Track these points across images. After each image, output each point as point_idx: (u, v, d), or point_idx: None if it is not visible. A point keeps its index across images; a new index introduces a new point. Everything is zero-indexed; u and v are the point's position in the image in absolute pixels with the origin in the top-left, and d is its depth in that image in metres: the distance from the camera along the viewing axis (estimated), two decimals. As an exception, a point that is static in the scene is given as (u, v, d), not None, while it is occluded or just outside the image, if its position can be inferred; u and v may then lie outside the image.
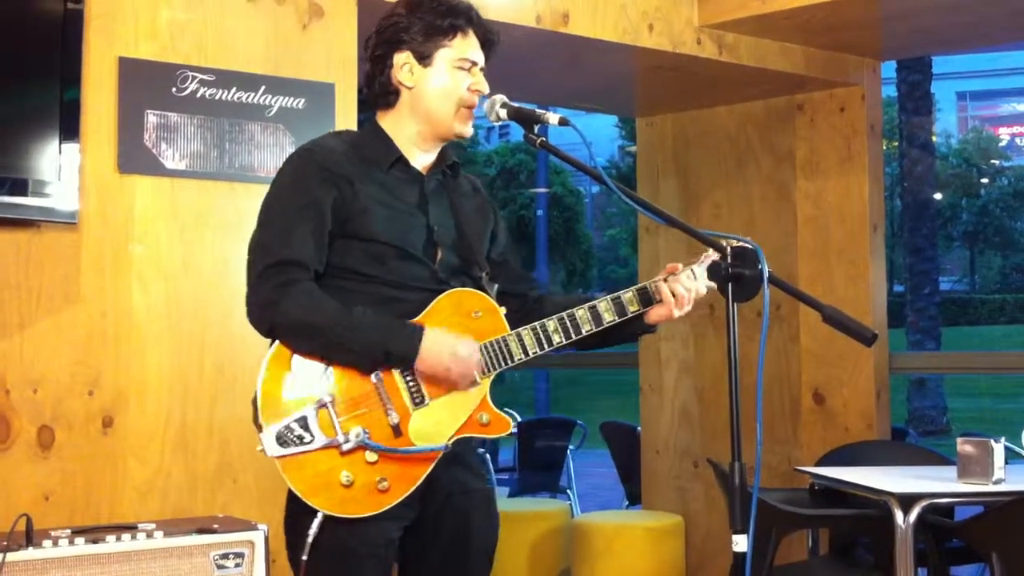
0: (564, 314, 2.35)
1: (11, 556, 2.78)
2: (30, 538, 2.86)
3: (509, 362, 2.31)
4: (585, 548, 5.29)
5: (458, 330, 2.29)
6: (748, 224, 5.25)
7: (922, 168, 17.13)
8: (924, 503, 3.47)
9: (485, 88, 2.41)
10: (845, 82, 5.07)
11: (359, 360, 2.22)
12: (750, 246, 1.92)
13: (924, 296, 16.87)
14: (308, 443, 2.16)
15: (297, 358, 2.24)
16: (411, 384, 2.27)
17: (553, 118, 2.35)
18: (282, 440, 2.17)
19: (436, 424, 2.26)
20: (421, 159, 2.43)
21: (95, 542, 2.93)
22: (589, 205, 31.65)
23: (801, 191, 5.19)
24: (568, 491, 8.43)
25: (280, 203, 2.32)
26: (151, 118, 3.46)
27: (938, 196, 21.83)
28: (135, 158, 3.44)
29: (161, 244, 3.47)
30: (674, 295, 2.37)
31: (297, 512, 2.25)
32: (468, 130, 2.42)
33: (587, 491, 9.34)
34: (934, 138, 20.24)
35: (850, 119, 5.10)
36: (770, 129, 5.31)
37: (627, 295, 2.43)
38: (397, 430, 2.22)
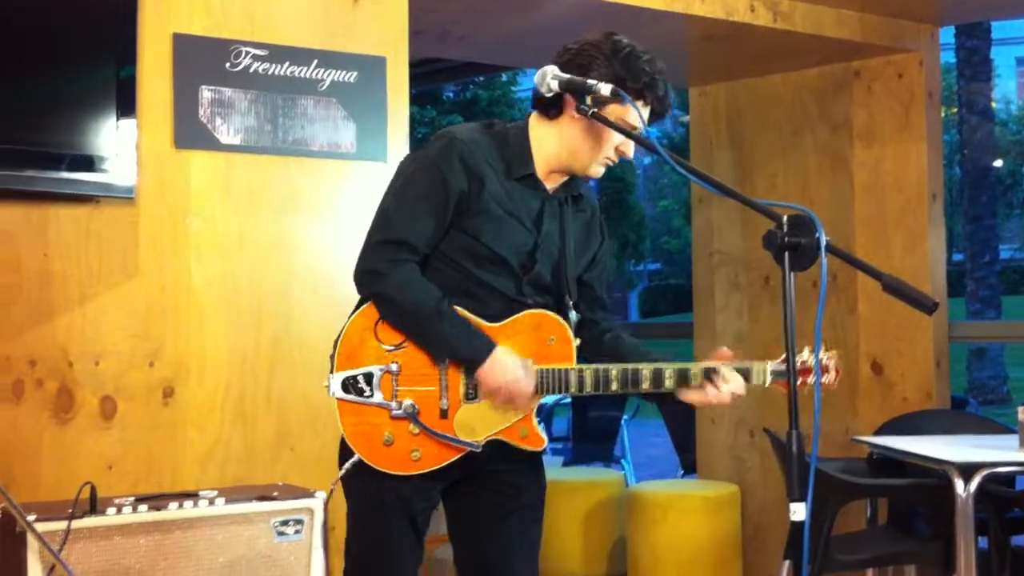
0: (628, 367, 2.45)
1: (76, 523, 2.85)
2: (94, 505, 2.93)
3: (563, 391, 2.44)
4: (640, 517, 5.29)
5: (529, 349, 2.43)
6: (803, 194, 5.19)
7: (981, 135, 16.82)
8: (984, 472, 3.44)
9: (631, 155, 2.50)
10: (903, 48, 4.98)
11: (432, 351, 2.40)
12: (807, 215, 1.90)
13: (984, 265, 16.58)
14: (366, 397, 2.37)
15: (384, 322, 2.42)
16: (470, 379, 2.42)
17: (604, 89, 2.34)
18: (346, 386, 2.38)
19: (479, 421, 2.42)
20: (552, 178, 2.53)
21: (157, 509, 2.99)
22: (641, 176, 31.46)
23: (858, 160, 5.12)
24: (622, 460, 8.44)
25: (415, 182, 2.43)
26: (206, 94, 3.49)
27: (997, 163, 21.42)
28: (190, 133, 3.47)
29: (217, 218, 3.51)
30: (719, 393, 2.50)
31: (343, 450, 2.46)
32: (598, 175, 2.52)
33: (641, 461, 9.34)
34: (993, 104, 19.86)
35: (908, 86, 5.01)
36: (826, 97, 5.23)
37: (695, 370, 2.51)
38: (444, 414, 2.40)
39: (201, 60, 3.48)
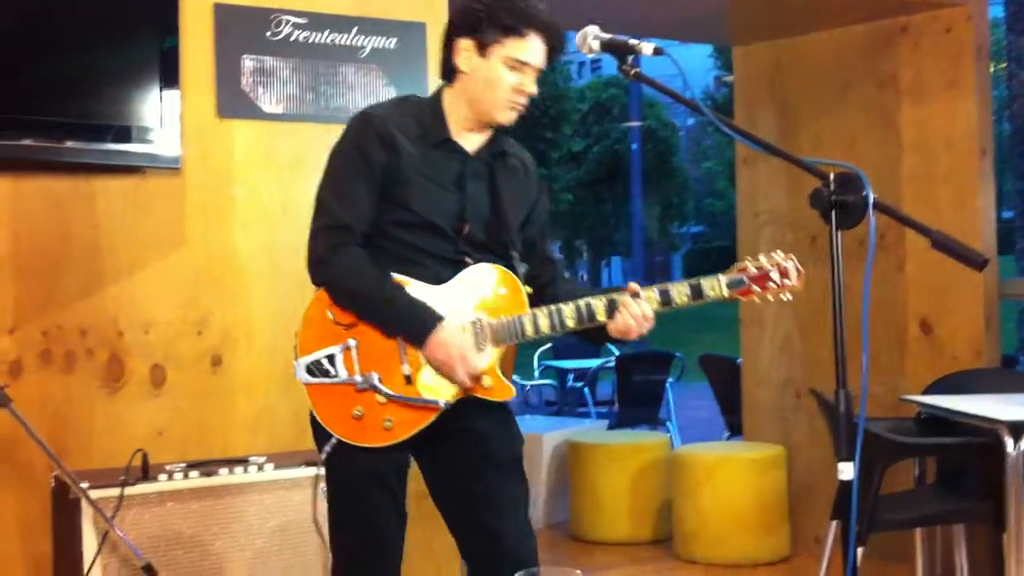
0: (582, 301, 2.51)
1: (129, 490, 2.90)
2: (146, 472, 2.98)
3: (520, 338, 2.50)
4: (686, 479, 5.29)
5: (480, 303, 2.50)
6: (849, 153, 5.12)
7: (1032, 90, 16.47)
8: (1035, 431, 3.39)
9: (531, 90, 2.52)
10: (950, 3, 4.88)
11: (382, 328, 2.47)
12: (854, 172, 1.88)
13: (1034, 222, 16.30)
14: (332, 377, 2.45)
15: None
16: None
17: (647, 48, 2.32)
18: (311, 371, 2.46)
19: (443, 380, 2.47)
20: (471, 139, 2.58)
21: (208, 475, 3.04)
22: (684, 138, 31.24)
23: (905, 117, 5.04)
24: (667, 423, 8.43)
25: (341, 165, 2.53)
26: (247, 63, 3.51)
27: (1049, 118, 20.98)
28: (233, 103, 3.49)
29: (261, 187, 3.53)
30: (622, 323, 2.50)
31: (319, 433, 2.51)
32: (509, 119, 2.54)
33: (686, 424, 9.32)
34: (1044, 58, 19.41)
35: (956, 41, 4.91)
36: (872, 54, 5.15)
37: (648, 292, 2.52)
38: (409, 379, 2.46)
39: (242, 29, 3.49)
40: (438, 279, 2.50)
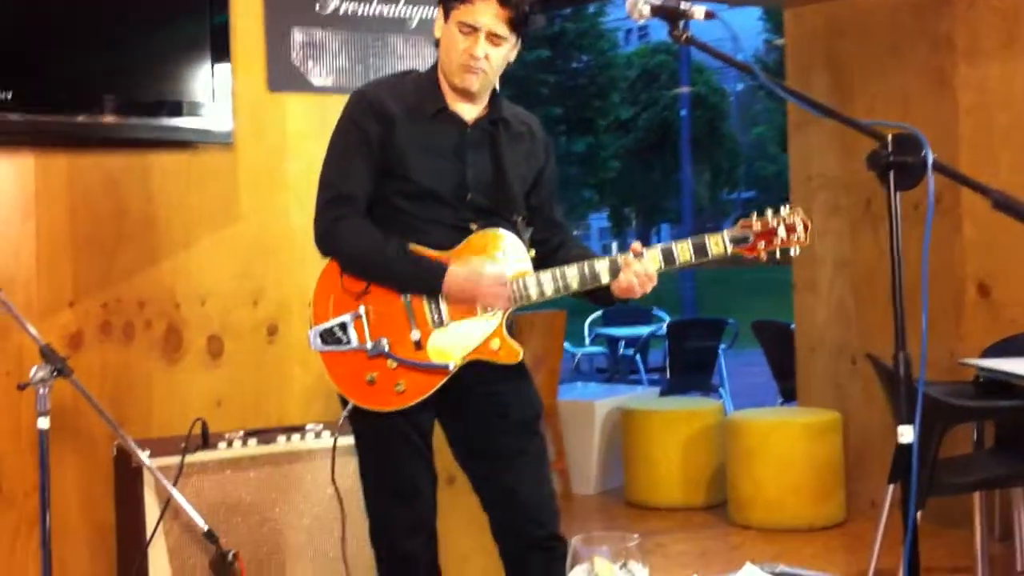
0: (584, 263, 2.53)
1: (190, 457, 2.95)
2: (206, 440, 3.03)
3: (526, 300, 2.53)
4: (740, 445, 5.28)
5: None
6: (904, 116, 5.03)
7: (1092, 46, 16.09)
8: (1097, 394, 3.34)
9: (477, 52, 2.51)
10: (1007, -42, 4.78)
11: (396, 286, 2.53)
12: (912, 132, 1.85)
13: (1095, 182, 15.98)
14: (344, 344, 2.52)
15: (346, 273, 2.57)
16: (433, 306, 2.55)
17: (699, 11, 2.29)
18: (324, 339, 2.54)
19: (451, 344, 2.53)
20: (467, 108, 2.61)
21: (266, 443, 3.08)
22: (734, 104, 30.90)
23: (961, 78, 4.94)
24: (720, 390, 8.40)
25: (339, 141, 2.61)
26: (297, 36, 3.52)
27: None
28: (284, 76, 3.51)
29: (313, 160, 3.51)
30: (624, 282, 2.51)
31: (341, 399, 2.60)
32: (468, 84, 2.55)
33: (739, 390, 9.28)
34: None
35: (1012, 0, 4.81)
36: (927, 14, 5.05)
37: (652, 251, 2.54)
38: (418, 344, 2.52)
39: (291, 3, 3.50)
40: (443, 246, 2.55)
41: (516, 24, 2.53)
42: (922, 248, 1.87)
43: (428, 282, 2.51)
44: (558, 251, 2.70)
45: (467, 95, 2.59)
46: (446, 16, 2.55)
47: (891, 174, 1.84)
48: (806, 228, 2.55)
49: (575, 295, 2.59)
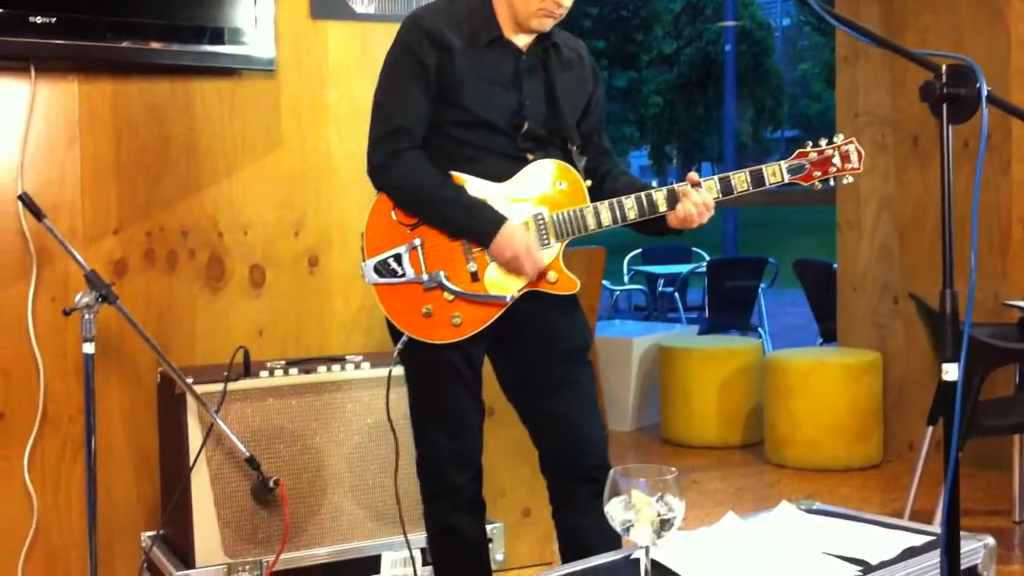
0: (643, 193, 2.51)
1: (232, 385, 2.98)
2: (248, 368, 3.05)
3: (583, 231, 2.51)
4: (779, 384, 5.27)
5: (542, 198, 2.52)
6: (957, 48, 4.93)
7: None
8: None
9: (566, 3, 2.47)
10: None
11: (446, 231, 2.49)
12: (967, 63, 1.80)
13: None
14: (399, 276, 2.49)
15: None
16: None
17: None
18: (378, 271, 2.50)
19: (509, 276, 2.50)
20: (521, 36, 2.55)
21: (307, 372, 3.11)
22: (779, 39, 30.39)
23: (1015, 11, 4.83)
24: (760, 329, 8.36)
25: (395, 68, 2.54)
26: (339, -39, 3.48)
27: None
28: (326, 4, 3.48)
29: (355, 88, 3.53)
30: (683, 211, 2.48)
31: (392, 331, 2.57)
32: (545, 27, 2.51)
33: (779, 330, 9.24)
34: None
35: (1072, -71, 4.67)
36: (982, -56, 4.92)
37: (708, 182, 2.52)
38: (475, 276, 2.49)
39: (333, -73, 3.46)
40: (499, 176, 2.51)
41: None
42: (973, 185, 1.83)
43: (480, 234, 2.47)
44: (605, 180, 2.66)
45: (530, 30, 2.54)
46: None
47: (944, 106, 1.80)
48: (860, 157, 2.55)
49: (629, 225, 2.55)
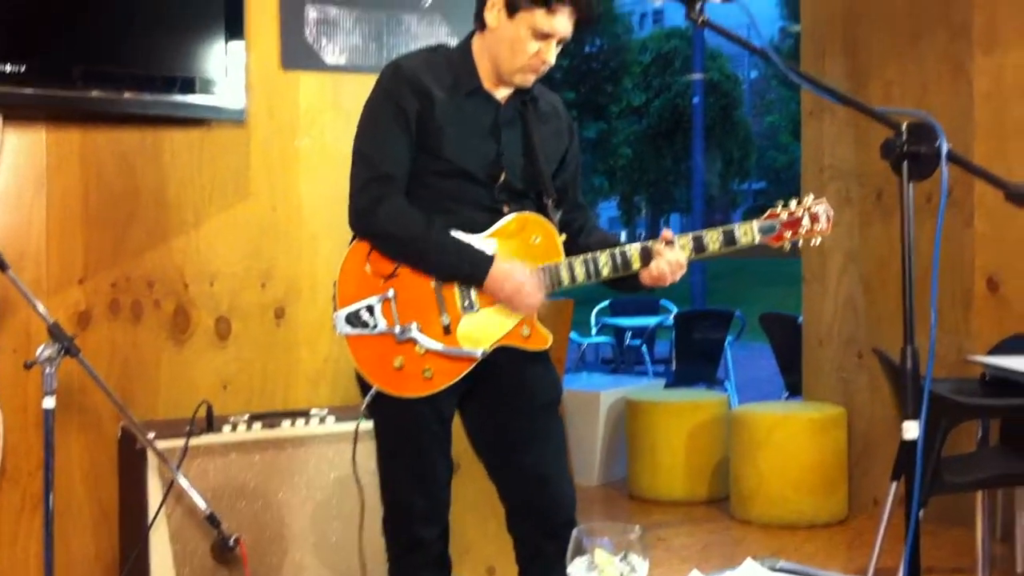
0: (617, 250, 2.52)
1: (194, 440, 2.95)
2: (211, 423, 3.02)
3: (557, 286, 2.51)
4: (744, 438, 5.27)
5: (517, 252, 2.51)
6: (920, 103, 5.00)
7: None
8: (1106, 393, 3.32)
9: (551, 61, 2.50)
10: (1027, -51, 4.74)
11: (435, 274, 2.48)
12: (927, 121, 1.83)
13: (1108, 180, 15.88)
14: (371, 328, 2.46)
15: (374, 253, 2.50)
16: (464, 291, 2.50)
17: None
18: (350, 322, 2.48)
19: (481, 330, 2.49)
20: (501, 89, 2.56)
21: (271, 427, 3.08)
22: (747, 91, 30.79)
23: (978, 66, 4.91)
24: (726, 383, 8.38)
25: (376, 116, 2.53)
26: (311, 13, 3.50)
27: None
28: (297, 54, 3.49)
29: (325, 138, 3.54)
30: (656, 270, 2.51)
31: (362, 384, 2.54)
32: (526, 82, 2.54)
33: (746, 383, 9.26)
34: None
35: (1032, -11, 4.77)
36: (945, 1, 5.02)
37: (683, 239, 2.54)
38: (447, 329, 2.48)
39: (305, -20, 3.48)
40: (474, 227, 2.51)
41: (583, 24, 2.50)
42: (934, 241, 1.85)
43: (471, 273, 2.45)
44: (579, 235, 2.67)
45: (513, 85, 2.55)
46: (510, 11, 2.45)
47: (905, 163, 1.82)
48: (828, 218, 2.58)
49: (601, 281, 2.56)
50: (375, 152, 2.50)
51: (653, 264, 2.50)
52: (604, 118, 25.41)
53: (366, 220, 2.48)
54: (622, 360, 10.37)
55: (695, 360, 8.22)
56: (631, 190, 27.89)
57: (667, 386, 7.32)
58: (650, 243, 2.53)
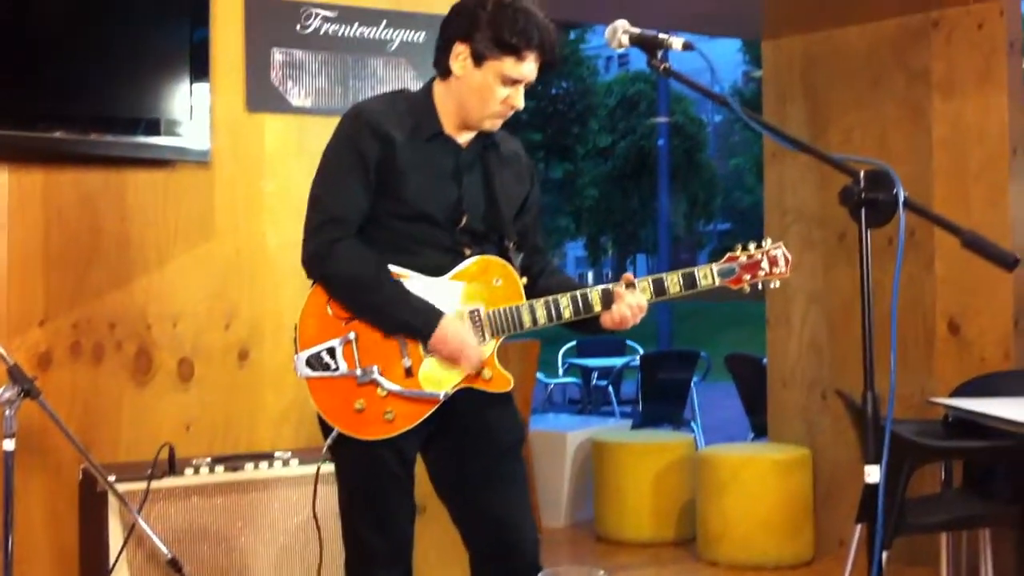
0: (578, 292, 2.54)
1: (155, 484, 2.92)
2: (173, 466, 2.99)
3: (518, 329, 2.52)
4: (710, 480, 5.27)
5: (478, 295, 2.52)
6: (880, 148, 5.08)
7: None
8: (1065, 435, 3.36)
9: (519, 105, 2.53)
10: (983, -3, 4.84)
11: (380, 325, 2.47)
12: (884, 169, 1.86)
13: (1066, 222, 16.12)
14: (332, 370, 2.45)
15: None
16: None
17: (677, 43, 2.32)
18: (311, 364, 2.46)
19: (443, 372, 2.49)
20: (463, 133, 2.58)
21: (234, 470, 3.05)
22: (711, 134, 31.10)
23: (937, 112, 4.99)
24: (692, 423, 8.39)
25: (333, 160, 2.54)
26: (277, 56, 3.51)
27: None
28: (263, 96, 3.50)
29: (291, 180, 3.54)
30: (617, 314, 2.52)
31: (323, 426, 2.52)
32: (494, 127, 2.57)
33: (711, 424, 9.28)
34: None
35: (989, 35, 4.86)
36: (904, 48, 5.10)
37: (643, 282, 2.56)
38: (409, 372, 2.48)
39: (272, 22, 3.50)
40: (435, 269, 2.52)
41: (547, 68, 2.53)
42: (892, 287, 1.88)
43: (418, 329, 2.45)
44: (539, 278, 2.68)
45: (468, 128, 2.57)
46: (477, 60, 2.47)
47: (862, 211, 1.85)
48: (787, 262, 2.62)
49: (563, 324, 2.57)
50: (329, 196, 2.50)
51: (615, 308, 2.51)
52: (570, 159, 25.56)
53: (317, 264, 2.49)
54: (589, 400, 10.37)
55: (662, 400, 8.23)
56: (597, 231, 28.01)
57: (634, 426, 7.32)
58: (611, 286, 2.54)
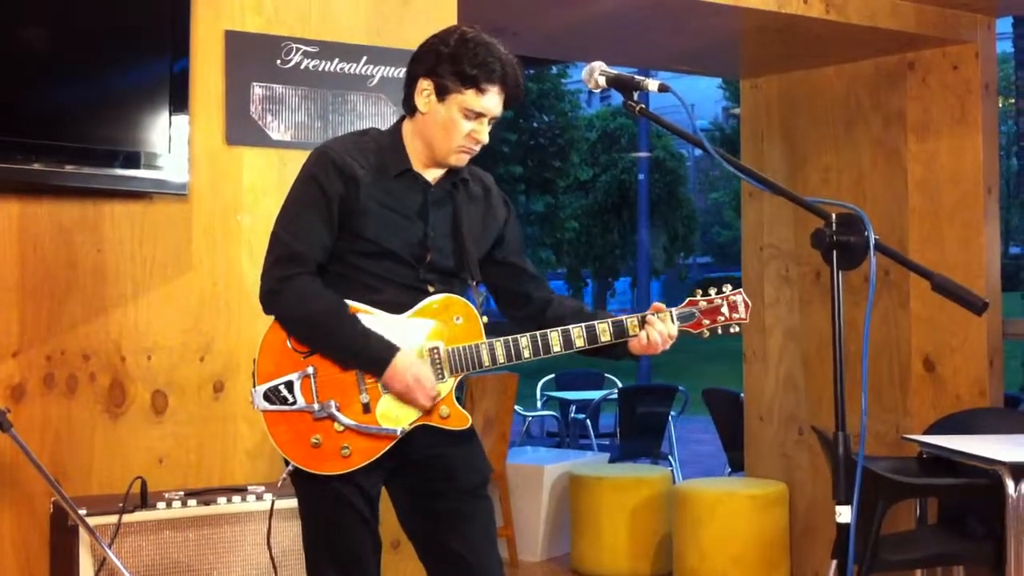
0: (537, 333, 2.55)
1: (127, 517, 2.89)
2: (145, 500, 2.97)
3: (477, 367, 2.53)
4: (687, 515, 5.27)
5: (439, 332, 2.54)
6: (857, 188, 5.13)
7: (1039, 126, 16.52)
8: (1037, 473, 3.38)
9: (484, 139, 2.55)
10: (958, 39, 4.91)
11: (336, 359, 2.49)
12: (856, 212, 1.88)
13: (1041, 259, 16.28)
14: (289, 404, 2.47)
15: None
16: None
17: (652, 84, 2.35)
18: (268, 398, 2.47)
19: (401, 408, 2.50)
20: (432, 170, 2.60)
21: (207, 503, 3.03)
22: (691, 169, 31.27)
23: (912, 153, 5.05)
24: (670, 457, 8.39)
25: (295, 198, 2.56)
26: (257, 90, 3.52)
27: (1057, 155, 21.00)
28: (242, 130, 3.51)
29: (270, 214, 3.50)
30: (648, 339, 2.57)
31: (285, 460, 2.53)
32: (460, 162, 2.58)
33: (689, 458, 9.28)
34: (1053, 94, 19.45)
35: (964, 78, 4.93)
36: (880, 90, 5.17)
37: (601, 326, 2.58)
38: (367, 408, 2.49)
39: (253, 57, 3.51)
40: (397, 306, 2.53)
41: (511, 102, 2.56)
42: (864, 327, 1.89)
43: (373, 364, 2.47)
44: (548, 307, 2.69)
45: (435, 164, 2.58)
46: (440, 95, 2.50)
47: (834, 253, 1.87)
48: (747, 307, 2.64)
49: (586, 353, 2.59)
50: (288, 233, 2.53)
51: (647, 331, 2.56)
52: (551, 192, 25.63)
53: (272, 300, 2.51)
54: (567, 434, 10.35)
55: (639, 434, 8.22)
56: (578, 263, 28.06)
57: (612, 460, 7.31)
58: (596, 322, 2.57)
